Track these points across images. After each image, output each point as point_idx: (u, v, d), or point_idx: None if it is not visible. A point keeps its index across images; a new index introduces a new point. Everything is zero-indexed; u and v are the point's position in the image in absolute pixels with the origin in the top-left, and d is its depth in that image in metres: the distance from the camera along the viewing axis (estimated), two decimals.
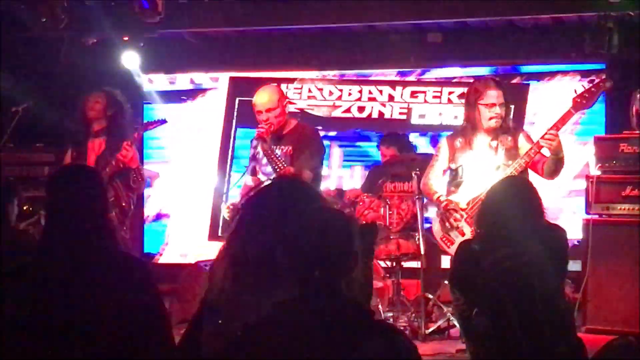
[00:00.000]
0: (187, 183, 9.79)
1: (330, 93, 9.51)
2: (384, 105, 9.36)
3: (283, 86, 8.87)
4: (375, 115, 9.37)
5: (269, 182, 5.19)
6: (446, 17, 8.59)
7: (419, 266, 6.84)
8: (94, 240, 3.18)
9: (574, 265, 6.05)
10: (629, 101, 7.26)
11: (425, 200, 6.79)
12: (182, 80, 9.93)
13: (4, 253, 4.34)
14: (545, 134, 5.65)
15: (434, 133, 9.02)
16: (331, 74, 9.63)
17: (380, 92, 9.39)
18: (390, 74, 9.48)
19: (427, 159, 6.41)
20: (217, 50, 9.69)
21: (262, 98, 6.12)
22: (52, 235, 3.22)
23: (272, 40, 9.51)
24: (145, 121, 6.97)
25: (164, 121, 6.93)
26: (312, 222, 2.71)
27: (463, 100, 6.40)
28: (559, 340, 4.00)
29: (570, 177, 8.38)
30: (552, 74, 8.92)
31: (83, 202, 3.23)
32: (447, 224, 5.95)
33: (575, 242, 7.05)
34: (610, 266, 6.83)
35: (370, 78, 9.51)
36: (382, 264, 7.21)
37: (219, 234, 9.17)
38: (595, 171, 7.10)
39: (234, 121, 9.71)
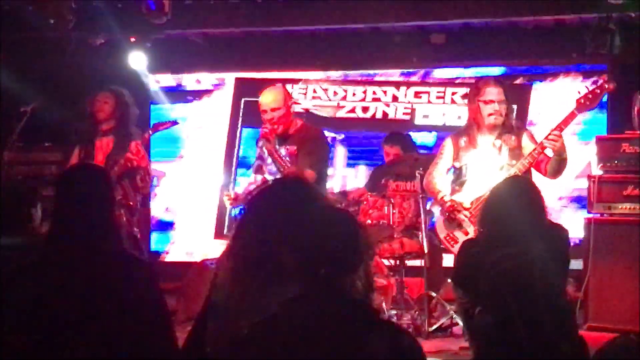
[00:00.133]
0: (193, 182, 9.82)
1: (335, 93, 9.54)
2: (388, 105, 9.39)
3: (288, 86, 8.87)
4: (379, 115, 9.40)
5: (272, 181, 5.25)
6: (449, 18, 8.59)
7: (423, 265, 6.88)
8: (99, 239, 3.19)
9: (575, 264, 6.10)
10: (631, 102, 7.29)
11: (429, 200, 6.84)
12: (189, 81, 9.97)
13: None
14: (549, 134, 5.67)
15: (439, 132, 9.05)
16: (336, 74, 9.66)
17: (385, 92, 9.42)
18: (394, 74, 9.51)
19: (431, 158, 6.43)
20: (223, 51, 9.69)
21: (268, 98, 6.16)
22: (58, 234, 3.23)
23: (278, 41, 9.52)
24: (156, 122, 6.96)
25: (175, 122, 6.94)
26: (317, 221, 2.71)
27: (466, 101, 6.43)
28: (561, 339, 4.00)
29: (572, 176, 8.38)
30: (554, 75, 8.94)
31: (90, 201, 3.24)
32: (450, 223, 5.98)
33: (577, 241, 7.08)
34: (611, 265, 6.85)
35: (375, 79, 9.55)
36: (386, 262, 7.23)
37: (225, 233, 9.18)
38: (597, 171, 7.10)
39: (240, 121, 9.75)
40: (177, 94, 9.91)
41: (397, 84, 9.40)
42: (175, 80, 9.97)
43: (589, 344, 4.09)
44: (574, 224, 7.29)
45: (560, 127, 5.66)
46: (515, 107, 8.07)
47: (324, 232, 2.67)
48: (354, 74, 9.62)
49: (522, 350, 3.92)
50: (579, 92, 5.76)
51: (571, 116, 5.69)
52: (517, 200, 4.31)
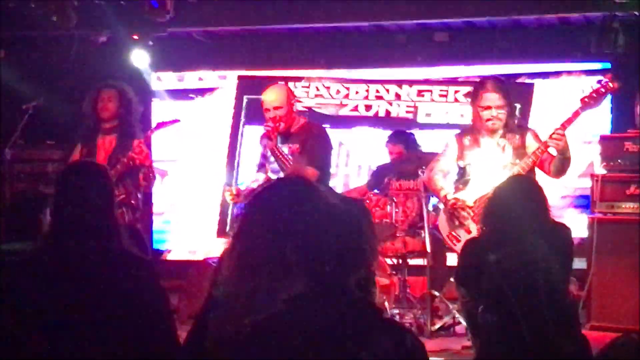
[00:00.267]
0: (195, 180, 9.83)
1: (338, 91, 9.55)
2: (390, 103, 9.40)
3: (291, 84, 8.90)
4: (382, 113, 9.41)
5: (275, 179, 5.24)
6: (453, 17, 8.61)
7: (425, 263, 6.87)
8: (100, 237, 3.18)
9: (578, 263, 6.09)
10: (634, 100, 7.30)
11: (431, 198, 6.84)
12: (191, 79, 9.98)
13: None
14: (553, 133, 5.65)
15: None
16: (339, 72, 9.67)
17: (387, 90, 9.42)
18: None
19: (434, 157, 6.43)
20: (226, 49, 9.72)
21: (271, 96, 6.17)
22: (58, 231, 3.22)
23: (280, 39, 9.53)
24: (158, 121, 6.94)
25: (177, 120, 6.93)
26: (320, 219, 2.65)
27: (469, 99, 6.43)
28: (564, 338, 4.01)
29: (575, 175, 8.37)
30: (557, 73, 8.94)
31: (90, 199, 3.23)
32: (453, 222, 5.98)
33: (580, 240, 7.08)
34: (614, 264, 6.85)
35: (377, 77, 9.56)
36: (389, 261, 7.24)
37: (227, 231, 9.19)
38: (600, 170, 7.11)
39: (242, 119, 9.76)
40: (179, 91, 9.91)
41: (399, 83, 9.41)
42: (177, 78, 9.97)
43: (592, 343, 4.10)
44: (577, 223, 7.29)
45: (564, 125, 5.64)
46: (518, 106, 8.07)
47: (327, 230, 2.65)
48: (357, 72, 9.61)
49: (525, 349, 3.92)
50: (582, 91, 5.75)
51: (575, 115, 5.67)
52: (520, 199, 4.31)
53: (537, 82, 9.00)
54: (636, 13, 7.73)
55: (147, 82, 9.44)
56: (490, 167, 5.83)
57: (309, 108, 9.40)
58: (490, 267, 4.11)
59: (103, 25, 8.67)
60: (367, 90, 9.48)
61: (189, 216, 9.92)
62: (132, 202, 6.65)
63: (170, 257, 9.84)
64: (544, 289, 3.98)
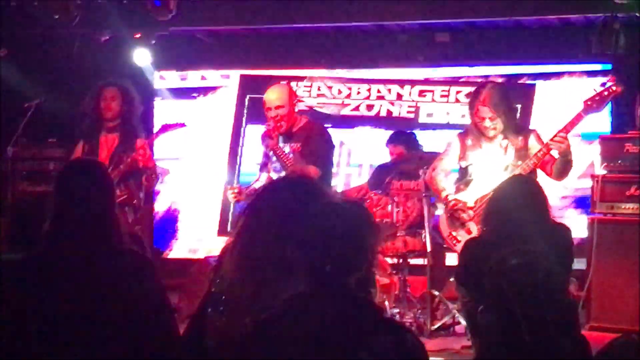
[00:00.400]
0: (197, 179, 9.84)
1: (340, 91, 9.56)
2: (392, 103, 9.40)
3: (293, 84, 8.89)
4: (383, 113, 9.42)
5: (276, 178, 5.25)
6: (454, 17, 8.61)
7: (426, 263, 6.87)
8: (100, 235, 3.18)
9: (578, 264, 6.09)
10: (634, 101, 7.31)
11: (433, 199, 6.84)
12: (193, 78, 9.99)
13: None
14: (555, 136, 5.64)
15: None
16: (340, 72, 9.67)
17: (389, 90, 9.43)
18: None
19: (435, 157, 6.44)
20: (228, 48, 9.72)
21: (273, 95, 6.17)
22: (58, 229, 3.21)
23: (283, 38, 9.53)
24: (164, 123, 6.93)
25: (182, 124, 6.92)
26: (321, 218, 2.70)
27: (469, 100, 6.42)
28: (563, 338, 4.03)
29: (575, 176, 8.36)
30: (558, 74, 8.93)
31: (89, 196, 3.22)
32: (454, 223, 5.98)
33: (580, 241, 7.08)
34: (614, 264, 6.86)
35: (379, 77, 9.56)
36: (389, 260, 7.24)
37: (228, 230, 9.21)
38: (600, 170, 7.12)
39: (244, 118, 9.76)
40: (181, 90, 9.92)
41: (401, 83, 9.41)
42: (180, 77, 9.98)
43: (591, 344, 4.10)
44: (577, 223, 7.29)
45: (567, 128, 5.64)
46: (519, 106, 8.08)
47: (328, 230, 2.67)
48: (358, 72, 9.61)
49: (525, 349, 3.93)
50: (586, 95, 5.74)
51: (578, 118, 5.66)
52: (521, 199, 4.33)
53: (539, 83, 9.00)
54: (637, 14, 7.72)
55: (149, 80, 9.45)
56: (492, 168, 5.83)
57: (311, 107, 9.40)
58: (490, 266, 4.12)
59: (105, 24, 8.67)
60: (369, 90, 9.48)
61: (190, 215, 9.93)
62: (134, 201, 6.65)
63: (171, 255, 9.83)
64: (544, 289, 3.99)
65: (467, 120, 6.43)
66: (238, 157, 9.74)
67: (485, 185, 5.75)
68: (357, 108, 9.50)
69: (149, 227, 9.62)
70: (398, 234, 7.00)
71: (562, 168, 5.78)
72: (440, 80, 9.38)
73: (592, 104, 5.68)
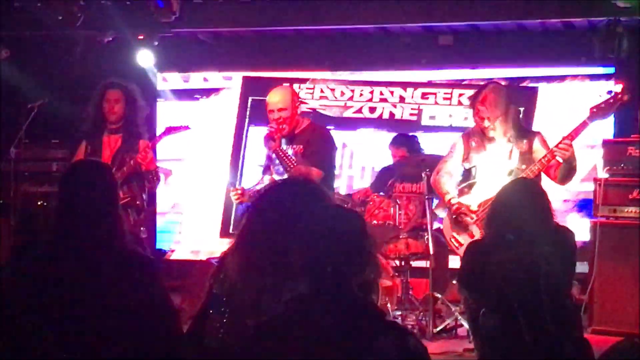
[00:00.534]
0: (199, 180, 9.84)
1: (342, 93, 9.56)
2: (394, 106, 9.41)
3: (295, 86, 8.92)
4: (386, 116, 9.42)
5: (278, 180, 5.24)
6: (457, 20, 8.62)
7: (428, 266, 6.88)
8: (102, 235, 3.19)
9: (580, 267, 6.08)
10: (637, 105, 7.30)
11: (435, 201, 6.84)
12: (196, 79, 10.00)
13: None
14: (560, 143, 5.62)
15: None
16: (343, 74, 9.67)
17: (392, 93, 9.43)
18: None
19: (437, 159, 6.42)
20: (231, 50, 9.72)
21: (275, 97, 6.17)
22: (61, 229, 3.23)
23: (285, 40, 9.54)
24: (168, 126, 6.93)
25: (187, 127, 6.92)
26: (323, 220, 2.71)
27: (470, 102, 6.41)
28: (565, 341, 4.03)
29: (578, 179, 8.36)
30: (561, 78, 8.93)
31: (93, 197, 3.24)
32: (457, 226, 5.97)
33: (582, 244, 7.08)
34: (616, 268, 6.87)
35: (381, 79, 9.57)
36: (392, 262, 7.26)
37: (231, 231, 9.21)
38: (603, 174, 7.13)
39: (247, 120, 9.77)
40: (184, 92, 9.93)
41: (404, 85, 9.41)
42: (182, 79, 9.98)
43: (593, 347, 4.10)
44: (580, 226, 7.29)
45: (572, 135, 5.61)
46: (522, 109, 8.08)
47: (330, 232, 2.67)
48: (361, 74, 9.62)
49: (527, 352, 3.93)
50: (592, 102, 5.73)
51: (583, 125, 5.63)
52: (524, 202, 4.32)
53: (541, 86, 9.00)
54: None
55: (152, 82, 9.45)
56: (496, 171, 5.81)
57: (314, 109, 9.41)
58: (493, 269, 4.12)
59: (108, 25, 8.67)
60: (372, 93, 9.49)
61: (192, 216, 9.93)
62: (137, 203, 6.64)
63: (173, 257, 9.84)
64: (546, 293, 3.99)
65: (469, 123, 6.43)
66: (240, 159, 9.74)
67: (488, 189, 5.72)
68: (359, 110, 9.50)
69: (152, 229, 9.63)
70: (400, 237, 7.01)
71: (566, 173, 5.77)
72: (443, 82, 9.38)
73: (598, 112, 5.66)
